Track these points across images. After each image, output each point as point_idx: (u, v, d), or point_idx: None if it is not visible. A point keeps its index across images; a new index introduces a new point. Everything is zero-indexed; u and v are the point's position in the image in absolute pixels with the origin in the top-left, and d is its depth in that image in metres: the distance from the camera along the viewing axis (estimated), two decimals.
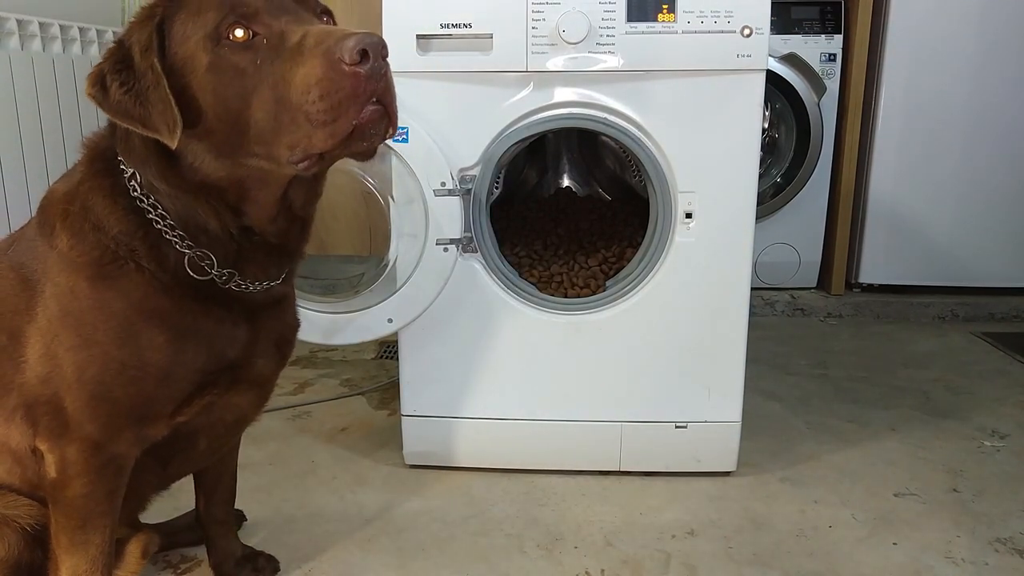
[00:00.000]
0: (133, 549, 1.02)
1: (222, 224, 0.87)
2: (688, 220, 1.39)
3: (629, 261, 1.50)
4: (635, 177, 1.81)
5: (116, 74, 0.81)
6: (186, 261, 0.87)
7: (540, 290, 1.48)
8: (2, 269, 0.92)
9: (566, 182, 2.03)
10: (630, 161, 1.72)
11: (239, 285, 0.90)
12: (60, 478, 0.89)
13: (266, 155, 0.80)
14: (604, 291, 1.47)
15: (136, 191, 0.87)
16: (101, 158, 0.90)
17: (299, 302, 1.40)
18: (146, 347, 0.86)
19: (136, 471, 0.93)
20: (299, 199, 0.90)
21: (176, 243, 0.87)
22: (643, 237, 1.48)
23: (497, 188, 1.69)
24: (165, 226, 0.87)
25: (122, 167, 0.88)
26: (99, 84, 0.81)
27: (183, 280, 0.88)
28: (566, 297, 1.48)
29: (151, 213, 0.87)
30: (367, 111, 0.76)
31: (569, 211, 1.77)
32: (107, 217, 0.87)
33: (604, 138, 1.67)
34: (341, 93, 0.74)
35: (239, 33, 0.78)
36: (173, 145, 0.80)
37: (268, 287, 0.93)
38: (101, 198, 0.87)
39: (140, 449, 0.92)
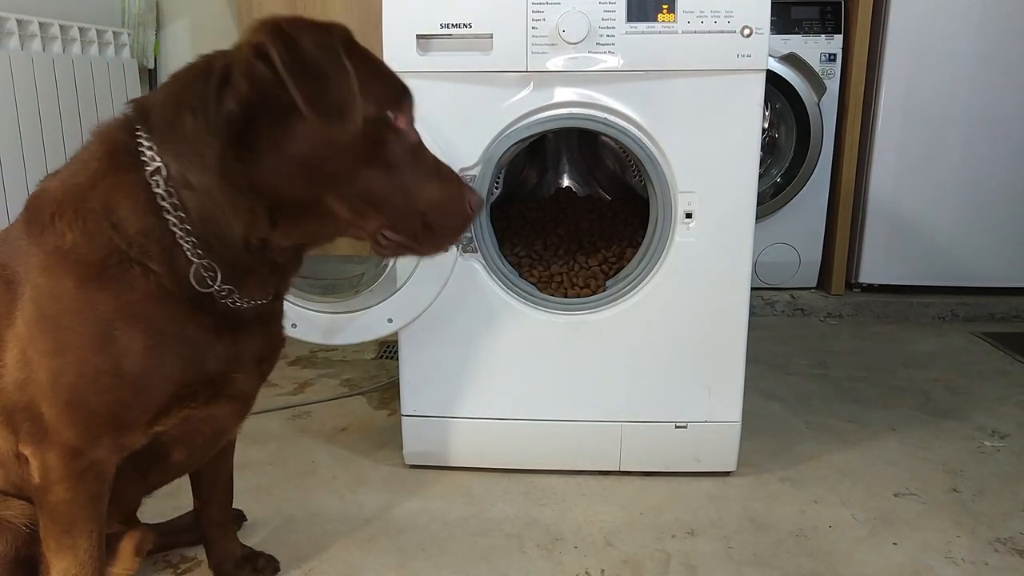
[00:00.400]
0: (127, 546, 1.02)
1: (248, 231, 0.86)
2: (688, 220, 1.39)
3: (629, 261, 1.50)
4: (635, 177, 1.81)
5: (304, 42, 0.81)
6: (192, 271, 0.86)
7: (540, 290, 1.48)
8: None
9: (566, 182, 2.03)
10: (630, 161, 1.72)
11: (234, 302, 0.90)
12: (43, 483, 0.88)
13: (358, 214, 0.88)
14: (604, 291, 1.47)
15: (159, 186, 0.84)
16: (123, 152, 0.86)
17: (299, 302, 1.41)
18: (124, 354, 0.84)
19: (117, 478, 0.93)
20: (316, 243, 0.94)
21: (188, 249, 0.86)
22: (643, 237, 1.48)
23: (497, 188, 1.69)
24: (181, 230, 0.85)
25: (145, 162, 0.85)
26: (285, 35, 0.79)
27: (183, 289, 0.87)
28: (566, 297, 1.48)
29: (170, 213, 0.85)
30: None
31: (569, 211, 1.77)
32: (128, 215, 0.84)
33: (604, 138, 1.67)
34: (456, 220, 0.94)
35: (403, 122, 0.89)
36: (348, 130, 0.80)
37: (259, 304, 0.93)
38: (124, 195, 0.84)
39: (120, 456, 0.91)
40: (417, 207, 0.90)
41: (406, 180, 0.89)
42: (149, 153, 0.85)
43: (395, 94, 0.89)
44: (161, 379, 0.87)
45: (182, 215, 0.85)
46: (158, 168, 0.84)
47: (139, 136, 0.86)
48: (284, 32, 0.80)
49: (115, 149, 0.87)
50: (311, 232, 0.91)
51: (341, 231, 0.91)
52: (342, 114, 0.80)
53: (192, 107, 0.84)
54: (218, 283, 0.87)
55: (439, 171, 0.93)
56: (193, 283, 0.86)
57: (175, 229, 0.85)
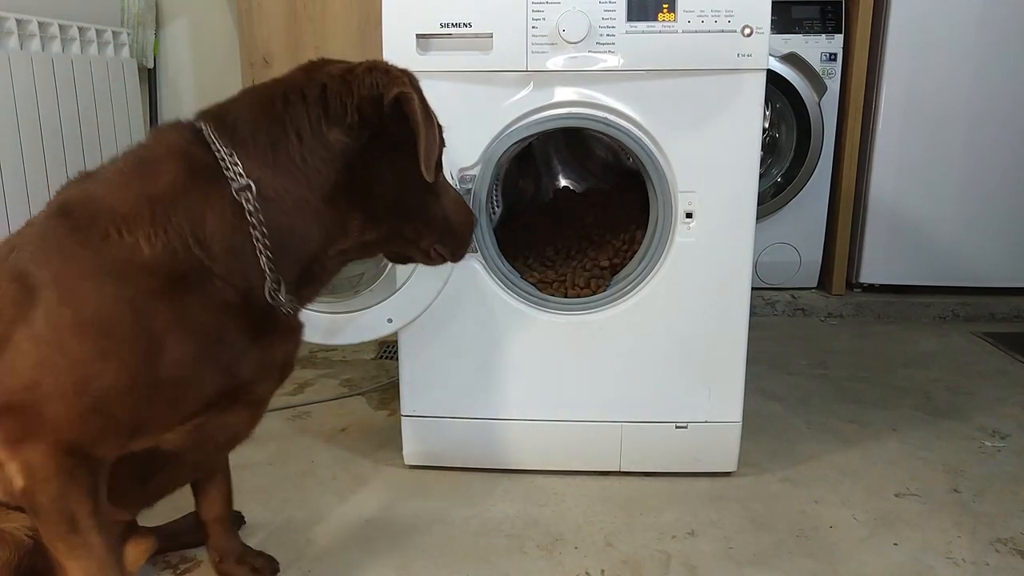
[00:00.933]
0: (130, 552, 1.01)
1: (330, 245, 0.95)
2: (688, 220, 1.39)
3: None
4: (629, 160, 1.79)
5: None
6: (267, 284, 0.89)
7: (540, 290, 1.48)
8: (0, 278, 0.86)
9: (563, 182, 2.02)
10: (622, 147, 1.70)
11: (288, 311, 0.93)
12: (29, 484, 0.84)
13: (418, 233, 1.04)
14: (606, 290, 1.46)
15: (249, 203, 0.86)
16: (204, 167, 0.87)
17: None
18: (173, 365, 0.84)
19: (116, 490, 0.91)
20: (368, 256, 1.09)
21: (265, 264, 0.88)
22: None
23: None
24: (262, 244, 0.87)
25: (231, 178, 0.86)
26: (418, 88, 0.95)
27: (249, 301, 0.89)
28: (566, 297, 1.47)
29: (255, 229, 0.87)
30: None
31: (571, 210, 1.76)
32: (216, 231, 0.85)
33: (589, 131, 1.65)
34: (471, 231, 1.15)
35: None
36: (430, 177, 0.94)
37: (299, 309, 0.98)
38: (211, 212, 0.86)
39: (117, 455, 0.89)
40: (454, 225, 1.08)
41: (448, 205, 1.07)
42: (235, 169, 0.87)
43: (442, 136, 1.02)
44: (199, 390, 0.88)
45: (265, 231, 0.88)
46: (247, 185, 0.87)
47: (217, 150, 0.88)
48: (417, 86, 0.95)
49: (195, 164, 0.87)
50: (374, 247, 1.03)
51: (396, 246, 1.06)
52: (433, 166, 0.95)
53: (297, 130, 0.90)
54: (283, 293, 0.91)
55: (457, 193, 1.12)
56: (267, 296, 0.90)
57: (257, 244, 0.88)
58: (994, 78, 2.39)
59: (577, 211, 1.74)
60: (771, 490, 1.48)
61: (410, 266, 1.39)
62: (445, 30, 1.34)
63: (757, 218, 1.43)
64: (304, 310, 1.38)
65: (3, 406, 0.84)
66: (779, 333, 2.44)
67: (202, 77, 2.75)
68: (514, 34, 1.33)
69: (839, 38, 2.49)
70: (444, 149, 1.03)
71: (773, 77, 2.36)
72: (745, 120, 1.35)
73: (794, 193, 2.56)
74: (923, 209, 2.50)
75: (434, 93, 1.35)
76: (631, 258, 1.50)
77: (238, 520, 1.34)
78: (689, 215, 1.38)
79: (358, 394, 1.94)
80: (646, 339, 1.44)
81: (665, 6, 1.30)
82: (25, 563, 0.93)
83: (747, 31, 1.30)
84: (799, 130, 2.50)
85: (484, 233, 1.43)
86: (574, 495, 1.46)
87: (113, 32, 2.35)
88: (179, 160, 0.88)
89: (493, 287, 1.44)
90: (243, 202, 0.86)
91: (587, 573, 1.23)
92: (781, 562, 1.25)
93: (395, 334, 1.46)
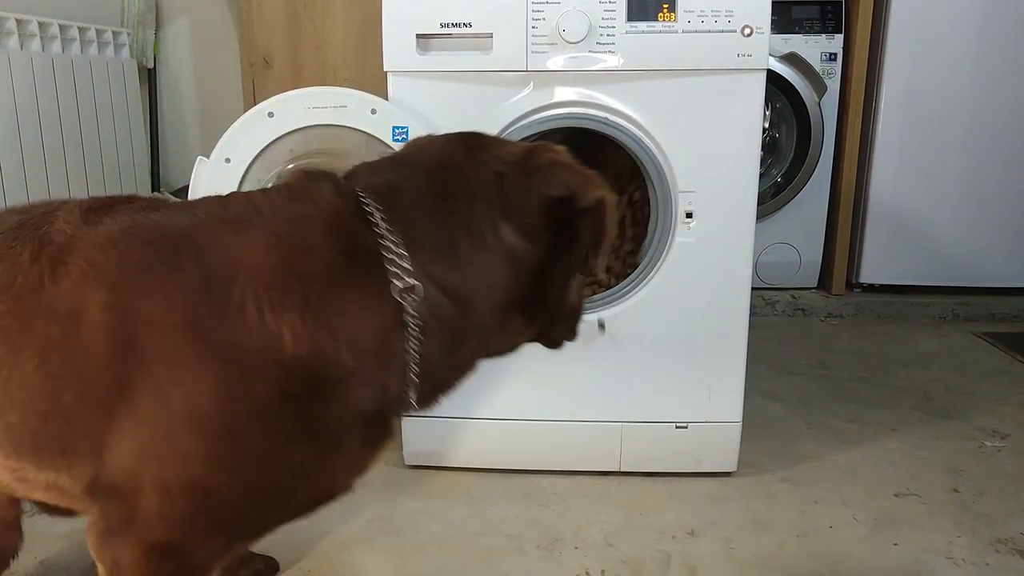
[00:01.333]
0: None
1: (485, 348, 0.90)
2: (688, 220, 1.39)
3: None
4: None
5: None
6: (408, 394, 0.81)
7: None
8: (93, 297, 0.71)
9: None
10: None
11: (402, 416, 0.88)
12: None
13: (554, 326, 0.96)
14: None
15: (411, 307, 0.76)
16: (367, 255, 0.77)
17: None
18: (290, 473, 0.76)
19: None
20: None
21: (412, 371, 0.79)
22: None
23: None
24: (413, 351, 0.78)
25: (395, 272, 0.76)
26: None
27: (378, 410, 0.80)
28: None
29: (410, 332, 0.77)
30: None
31: None
32: (369, 335, 0.76)
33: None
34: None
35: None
36: (601, 273, 0.96)
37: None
38: (369, 310, 0.76)
39: (219, 562, 0.80)
40: (579, 311, 1.00)
41: (575, 296, 0.98)
42: (403, 265, 0.77)
43: None
44: (304, 495, 0.80)
45: (422, 338, 0.78)
46: (413, 287, 0.76)
47: (383, 238, 0.77)
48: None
49: (357, 247, 0.77)
50: (517, 348, 0.98)
51: (533, 341, 0.99)
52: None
53: (480, 231, 0.81)
54: (415, 401, 0.82)
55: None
56: (399, 404, 0.81)
57: (409, 351, 0.78)
58: (994, 78, 2.39)
59: None
60: (771, 490, 1.48)
61: None
62: (445, 30, 1.34)
63: (757, 218, 1.43)
64: None
65: (105, 486, 0.73)
66: (779, 333, 2.44)
67: (202, 77, 2.75)
68: (514, 34, 1.33)
69: (839, 38, 2.49)
70: None
71: (773, 77, 2.36)
72: (745, 120, 1.35)
73: (794, 193, 2.56)
74: (923, 209, 2.50)
75: (434, 93, 1.37)
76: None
77: None
78: (689, 215, 1.39)
79: None
80: (646, 339, 1.44)
81: (665, 6, 1.30)
82: None
83: (747, 31, 1.30)
84: (799, 130, 2.50)
85: None
86: (574, 495, 1.46)
87: (113, 32, 2.36)
88: (340, 239, 0.77)
89: None
90: (403, 302, 0.76)
91: (587, 573, 1.23)
92: (781, 562, 1.25)
93: None
